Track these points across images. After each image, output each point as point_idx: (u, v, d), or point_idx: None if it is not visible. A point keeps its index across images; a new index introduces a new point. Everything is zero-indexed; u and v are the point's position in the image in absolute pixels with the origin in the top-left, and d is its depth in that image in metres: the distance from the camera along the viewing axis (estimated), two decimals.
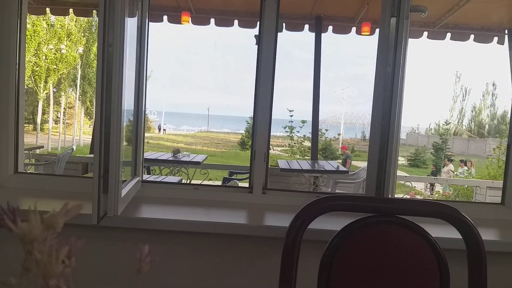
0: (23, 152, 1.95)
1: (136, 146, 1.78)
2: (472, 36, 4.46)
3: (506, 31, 4.32)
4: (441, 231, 1.34)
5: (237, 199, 1.82)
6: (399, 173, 15.07)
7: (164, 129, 36.30)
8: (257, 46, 1.78)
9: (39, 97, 17.53)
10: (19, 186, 1.81)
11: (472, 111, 34.64)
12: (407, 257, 1.20)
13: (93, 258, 1.52)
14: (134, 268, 1.56)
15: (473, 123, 34.68)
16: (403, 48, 1.57)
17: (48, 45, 15.94)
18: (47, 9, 4.82)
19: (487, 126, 33.73)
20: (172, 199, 1.79)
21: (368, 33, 4.36)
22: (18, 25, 1.79)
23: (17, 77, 1.81)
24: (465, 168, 12.97)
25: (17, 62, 1.81)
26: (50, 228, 0.55)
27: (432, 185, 8.83)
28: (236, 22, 4.53)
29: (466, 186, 7.02)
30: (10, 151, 1.82)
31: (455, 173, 12.57)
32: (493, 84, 33.00)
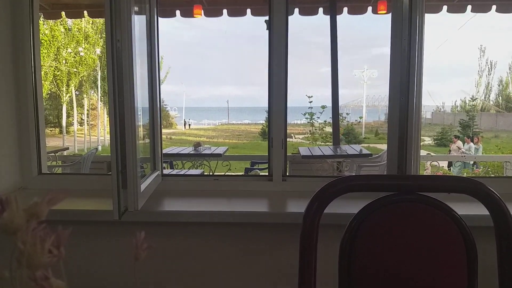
0: (45, 153, 1.99)
1: (154, 141, 1.79)
2: (494, 7, 4.27)
3: None
4: (467, 208, 1.29)
5: (257, 187, 1.81)
6: (425, 153, 14.78)
7: (189, 124, 36.64)
8: (268, 31, 1.75)
9: (62, 100, 17.96)
10: (44, 186, 1.85)
11: (499, 85, 33.48)
12: (431, 236, 1.15)
13: (117, 253, 1.55)
14: (157, 261, 1.57)
15: (500, 97, 33.53)
16: (420, 22, 1.51)
17: (67, 49, 16.26)
18: (62, 13, 4.88)
19: None
20: (193, 191, 1.79)
21: (384, 12, 4.24)
22: (31, 30, 1.81)
23: (33, 81, 1.84)
24: (471, 144, 12.44)
25: (33, 65, 1.83)
26: (33, 217, 0.53)
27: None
28: (248, 11, 4.49)
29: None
30: (33, 153, 1.86)
31: (460, 150, 12.06)
32: None
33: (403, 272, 1.16)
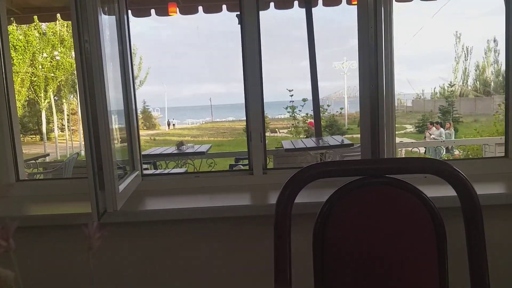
0: (22, 160, 1.96)
1: (131, 141, 1.78)
2: None
3: None
4: (438, 190, 1.32)
5: (239, 182, 1.82)
6: (406, 140, 14.97)
7: (174, 124, 36.38)
8: (240, 26, 1.75)
9: (41, 107, 17.60)
10: (23, 194, 1.82)
11: (476, 70, 34.08)
12: (400, 217, 1.18)
13: (99, 255, 1.54)
14: (141, 261, 1.57)
15: (478, 82, 34.16)
16: (388, 11, 1.53)
17: (42, 54, 15.93)
18: (35, 17, 4.79)
19: (492, 83, 33.22)
20: (174, 190, 1.79)
21: None
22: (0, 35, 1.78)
23: (5, 87, 1.81)
24: (442, 130, 12.65)
25: (3, 71, 1.80)
26: None
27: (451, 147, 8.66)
28: (224, 7, 4.47)
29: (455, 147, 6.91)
30: (9, 160, 1.83)
31: (432, 136, 12.23)
32: (494, 40, 32.35)
33: (374, 253, 1.19)
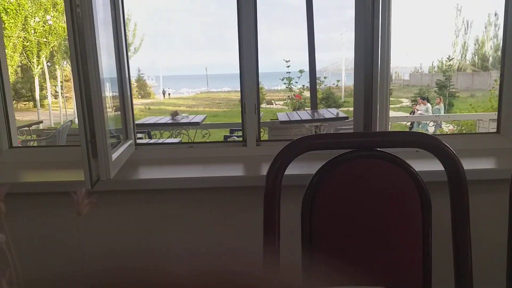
0: (15, 126, 1.95)
1: (125, 110, 1.76)
2: None
3: None
4: (425, 165, 1.34)
5: (232, 153, 1.82)
6: (402, 114, 14.97)
7: (169, 94, 36.06)
8: None
9: (34, 73, 17.32)
10: (15, 160, 1.82)
11: (475, 45, 33.72)
12: (387, 189, 1.21)
13: (92, 223, 1.56)
14: (133, 230, 1.59)
15: (476, 56, 33.89)
16: None
17: (34, 18, 15.54)
18: None
19: (490, 58, 32.99)
20: (167, 160, 1.79)
21: None
22: None
23: None
24: (428, 105, 12.61)
25: None
26: None
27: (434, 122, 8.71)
28: None
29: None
30: (2, 127, 1.82)
31: (419, 111, 12.17)
32: (495, 14, 31.82)
33: (361, 223, 1.22)
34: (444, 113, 12.46)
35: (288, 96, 10.38)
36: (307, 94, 9.99)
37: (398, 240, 1.22)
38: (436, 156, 1.16)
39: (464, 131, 7.46)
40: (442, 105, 12.88)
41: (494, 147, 1.75)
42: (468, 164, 1.21)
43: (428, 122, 8.13)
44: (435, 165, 1.22)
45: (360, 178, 1.22)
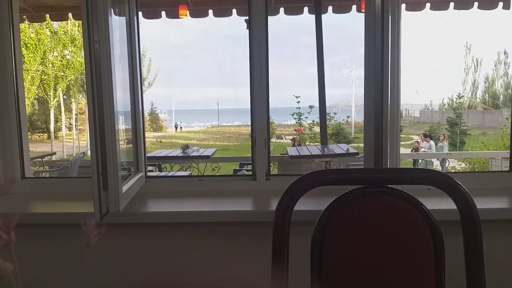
0: (29, 157, 1.98)
1: (137, 142, 1.79)
2: (476, 4, 4.34)
3: None
4: (437, 203, 1.32)
5: (242, 187, 1.82)
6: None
7: (181, 127, 36.61)
8: (248, 30, 1.76)
9: (50, 105, 17.76)
10: (27, 191, 1.84)
11: (485, 82, 33.86)
12: (399, 228, 1.18)
13: (100, 255, 1.54)
14: (141, 263, 1.57)
15: (487, 94, 33.94)
16: (396, 19, 1.53)
17: (53, 53, 16.09)
18: (47, 16, 4.85)
19: (501, 96, 33.01)
20: (177, 193, 1.80)
21: None
22: (11, 32, 1.80)
23: (15, 84, 1.83)
24: (431, 142, 12.53)
25: (14, 69, 1.82)
26: None
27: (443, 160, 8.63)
28: (234, 11, 4.50)
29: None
30: (16, 158, 1.85)
31: (422, 149, 12.05)
32: (505, 53, 32.14)
33: (372, 262, 1.18)
34: (448, 150, 12.39)
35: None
36: (317, 129, 10.02)
37: (410, 280, 1.19)
38: (448, 195, 1.14)
39: (476, 169, 7.37)
40: (445, 142, 12.84)
41: (507, 186, 1.72)
42: (482, 203, 1.19)
43: (432, 159, 8.06)
44: (448, 204, 1.20)
45: (370, 215, 1.20)
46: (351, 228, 1.20)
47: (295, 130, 9.96)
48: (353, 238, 1.20)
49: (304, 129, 10.05)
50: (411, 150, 12.87)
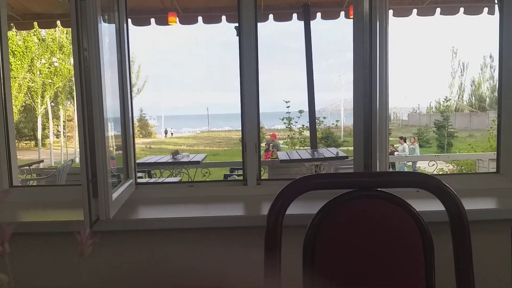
0: (17, 166, 1.95)
1: (126, 149, 1.78)
2: (461, 9, 4.42)
3: (496, 0, 4.27)
4: (426, 205, 1.34)
5: (233, 192, 1.82)
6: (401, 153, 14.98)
7: (172, 133, 36.54)
8: (238, 37, 1.77)
9: (37, 112, 17.56)
10: (15, 200, 1.82)
11: (471, 86, 34.43)
12: (389, 230, 1.20)
13: (90, 264, 1.53)
14: (132, 270, 1.56)
15: (473, 97, 34.47)
16: (383, 25, 1.56)
17: (41, 60, 15.94)
18: (35, 23, 4.82)
19: (487, 99, 33.54)
20: (168, 199, 1.79)
21: None
22: None
23: (3, 92, 1.81)
24: (405, 145, 12.76)
25: (2, 77, 1.81)
26: None
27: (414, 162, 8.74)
28: (224, 18, 4.52)
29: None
30: (3, 166, 1.82)
31: (396, 152, 12.22)
32: (490, 56, 32.73)
33: (363, 265, 1.20)
34: (419, 152, 12.60)
35: (288, 135, 10.47)
36: (306, 133, 10.08)
37: (401, 281, 1.20)
38: (437, 197, 1.16)
39: (464, 171, 7.46)
40: (416, 144, 13.08)
41: (494, 187, 1.75)
42: (470, 204, 1.21)
43: (406, 162, 8.19)
44: (436, 205, 1.22)
45: (361, 218, 1.21)
46: (343, 232, 1.22)
47: (269, 135, 10.03)
48: (344, 241, 1.21)
49: (293, 134, 10.10)
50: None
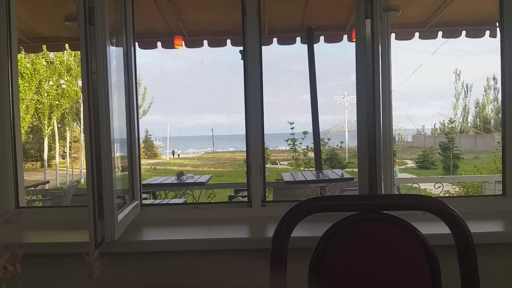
0: (23, 187, 1.97)
1: (132, 171, 1.79)
2: (463, 32, 4.46)
3: (497, 24, 4.32)
4: (432, 228, 1.33)
5: (237, 214, 1.82)
6: (407, 175, 14.93)
7: (179, 154, 36.72)
8: (242, 61, 1.80)
9: (44, 134, 17.71)
10: (21, 221, 1.82)
11: (475, 107, 34.46)
12: (395, 253, 1.19)
13: (97, 285, 1.52)
14: None
15: (478, 119, 34.45)
16: (386, 48, 1.58)
17: (48, 82, 16.17)
18: (44, 46, 4.91)
19: (492, 121, 33.49)
20: (173, 220, 1.79)
21: None
22: (9, 63, 1.83)
23: (11, 114, 1.84)
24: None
25: (11, 99, 1.84)
26: None
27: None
28: (228, 41, 4.60)
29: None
30: (10, 187, 1.84)
31: None
32: (494, 78, 32.85)
33: None
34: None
35: (293, 156, 10.47)
36: (311, 154, 10.07)
37: None
38: (442, 220, 1.16)
39: (470, 193, 7.39)
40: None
41: (500, 210, 1.73)
42: (476, 228, 1.20)
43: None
44: (442, 228, 1.21)
45: (367, 241, 1.21)
46: (348, 254, 1.21)
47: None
48: (350, 264, 1.20)
49: (298, 155, 10.10)
50: None
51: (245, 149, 1.85)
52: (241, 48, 1.82)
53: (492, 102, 33.67)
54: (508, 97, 1.78)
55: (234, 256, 1.54)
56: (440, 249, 1.20)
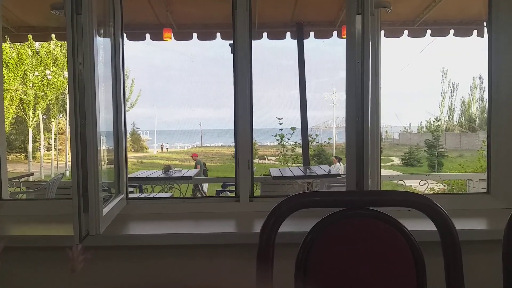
0: (6, 179, 1.93)
1: (118, 164, 1.77)
2: (451, 31, 4.51)
3: (485, 23, 4.37)
4: (418, 224, 1.34)
5: (225, 209, 1.81)
6: (393, 172, 15.09)
7: (167, 148, 36.46)
8: (232, 55, 1.79)
9: (29, 125, 17.41)
10: (5, 213, 1.79)
11: (461, 106, 34.94)
12: (381, 249, 1.20)
13: (79, 279, 1.50)
14: (121, 286, 1.53)
15: (463, 117, 34.95)
16: (376, 45, 1.58)
17: (34, 73, 15.88)
18: (29, 36, 4.81)
19: (477, 119, 34.02)
20: (159, 214, 1.77)
21: None
22: None
23: None
24: (337, 164, 12.93)
25: None
26: None
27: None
28: (218, 34, 4.56)
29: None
30: None
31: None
32: (480, 78, 33.34)
33: (355, 284, 1.19)
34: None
35: (281, 152, 10.50)
36: (299, 150, 10.11)
37: None
38: (428, 216, 1.17)
39: (454, 191, 7.50)
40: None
41: (484, 207, 1.76)
42: (461, 225, 1.21)
43: None
44: (428, 225, 1.22)
45: (353, 237, 1.21)
46: (335, 250, 1.21)
47: (191, 155, 10.28)
48: (336, 260, 1.21)
49: (286, 150, 10.14)
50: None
51: (233, 144, 1.84)
52: (231, 41, 1.80)
53: (477, 101, 34.19)
54: (494, 96, 1.80)
55: (221, 251, 1.53)
56: (426, 245, 1.22)
